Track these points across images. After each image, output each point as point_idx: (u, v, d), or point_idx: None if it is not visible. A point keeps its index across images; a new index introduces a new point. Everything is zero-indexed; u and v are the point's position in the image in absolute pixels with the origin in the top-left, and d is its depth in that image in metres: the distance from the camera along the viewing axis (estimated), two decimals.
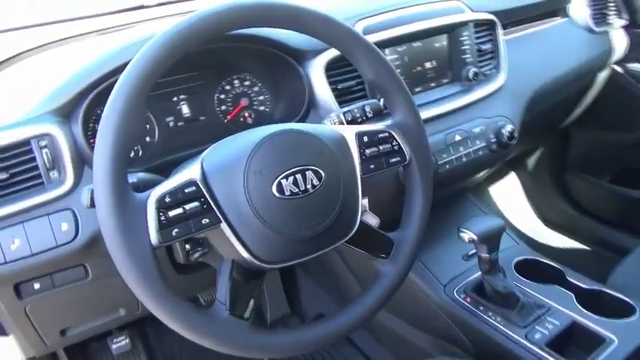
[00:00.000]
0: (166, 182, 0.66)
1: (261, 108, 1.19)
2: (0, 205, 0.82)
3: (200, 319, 0.66)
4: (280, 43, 1.05)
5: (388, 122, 0.83)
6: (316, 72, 1.07)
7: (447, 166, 1.17)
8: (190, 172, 0.68)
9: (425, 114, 1.16)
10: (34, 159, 0.85)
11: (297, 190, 0.69)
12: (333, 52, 1.08)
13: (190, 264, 1.05)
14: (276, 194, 0.68)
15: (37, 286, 0.90)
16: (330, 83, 1.08)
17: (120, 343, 1.26)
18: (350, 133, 0.79)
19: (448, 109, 1.22)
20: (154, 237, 0.63)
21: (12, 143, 0.83)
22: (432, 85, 1.26)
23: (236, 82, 1.16)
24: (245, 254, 0.69)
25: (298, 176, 0.69)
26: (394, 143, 0.81)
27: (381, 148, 0.80)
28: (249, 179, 0.67)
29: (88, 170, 0.90)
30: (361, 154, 0.78)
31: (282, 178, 0.68)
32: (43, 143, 0.86)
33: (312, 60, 1.09)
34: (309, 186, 0.70)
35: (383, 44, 1.15)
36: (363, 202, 0.98)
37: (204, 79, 1.12)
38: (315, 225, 0.70)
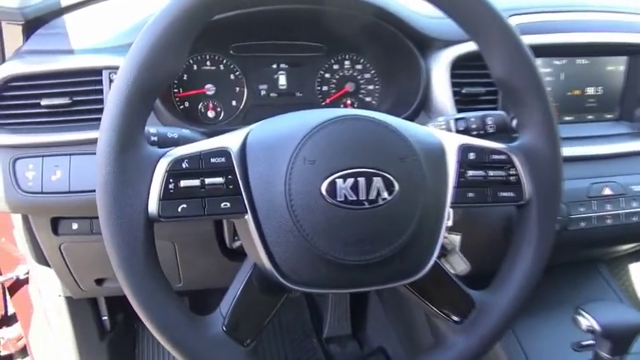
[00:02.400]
0: (193, 144, 0.52)
1: (367, 99, 1.01)
2: (53, 131, 0.76)
3: (182, 326, 0.51)
4: (405, 23, 0.86)
5: (512, 143, 0.60)
6: (440, 67, 0.87)
7: (583, 224, 0.88)
8: (228, 139, 0.53)
9: (569, 150, 0.89)
10: (100, 91, 0.78)
11: (355, 197, 0.51)
12: (465, 47, 0.86)
13: (241, 251, 0.92)
14: (325, 195, 0.50)
15: (75, 226, 0.84)
16: (454, 85, 0.87)
17: None
18: (452, 143, 0.58)
19: (604, 151, 0.92)
20: (153, 205, 0.49)
21: (82, 68, 0.77)
22: (590, 117, 0.97)
23: (346, 62, 1.00)
24: (266, 261, 0.52)
25: (361, 180, 0.51)
26: (511, 172, 0.58)
27: (490, 174, 0.57)
28: (296, 166, 0.50)
29: (151, 117, 0.81)
30: (460, 174, 0.57)
31: (338, 177, 0.50)
32: (114, 76, 0.78)
33: (438, 52, 0.88)
34: (372, 196, 0.51)
35: (536, 51, 0.90)
36: (452, 239, 0.75)
37: (312, 51, 0.97)
38: (367, 251, 0.51)
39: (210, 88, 0.94)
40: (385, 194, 0.52)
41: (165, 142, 0.60)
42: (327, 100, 1.00)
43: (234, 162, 0.51)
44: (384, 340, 1.49)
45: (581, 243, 0.92)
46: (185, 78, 0.93)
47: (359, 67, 1.00)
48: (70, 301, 1.08)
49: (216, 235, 0.87)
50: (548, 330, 0.95)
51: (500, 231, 0.87)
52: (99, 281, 0.98)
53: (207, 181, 0.50)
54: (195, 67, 0.93)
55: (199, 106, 0.94)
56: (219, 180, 0.51)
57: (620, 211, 0.90)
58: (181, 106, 0.93)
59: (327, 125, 0.52)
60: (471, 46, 0.86)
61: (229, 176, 0.51)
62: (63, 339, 1.13)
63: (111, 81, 0.78)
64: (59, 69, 0.77)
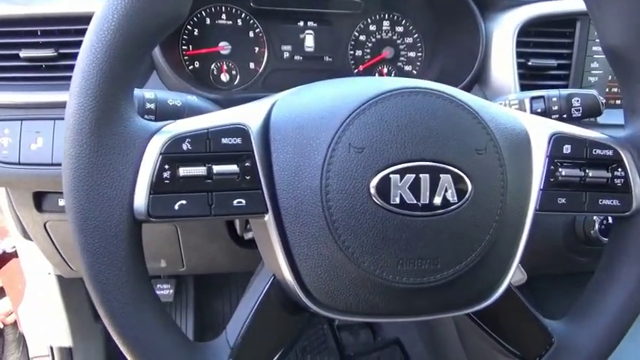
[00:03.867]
0: (199, 118, 0.39)
1: (408, 67, 0.86)
2: (34, 90, 0.63)
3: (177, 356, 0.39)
4: None
5: (619, 133, 0.46)
6: (503, 32, 0.72)
7: None
8: (247, 112, 0.40)
9: None
10: None
11: (415, 200, 0.37)
12: (538, 9, 0.71)
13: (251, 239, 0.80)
14: (375, 196, 0.37)
15: (61, 202, 0.71)
16: (519, 55, 0.71)
17: (163, 291, 1.08)
18: (541, 131, 0.44)
19: None
20: (140, 201, 0.36)
21: (70, 14, 0.63)
22: None
23: (385, 23, 0.84)
24: (289, 277, 0.39)
25: (424, 177, 0.37)
26: (619, 173, 0.44)
27: (590, 174, 0.43)
28: (337, 155, 0.37)
29: (155, 79, 0.68)
30: (550, 173, 0.43)
31: (393, 172, 0.37)
32: None
33: (502, 13, 0.73)
34: (437, 200, 0.38)
35: None
36: None
37: (346, 7, 0.82)
38: (427, 271, 0.38)
39: (225, 47, 0.80)
40: (454, 197, 0.38)
41: (165, 113, 0.47)
42: (361, 67, 0.86)
43: (254, 144, 0.38)
44: (401, 332, 1.39)
45: None
46: (196, 33, 0.79)
47: (400, 29, 0.85)
48: (61, 279, 0.98)
49: (225, 221, 0.74)
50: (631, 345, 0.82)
51: (560, 235, 0.73)
52: None
53: (217, 169, 0.37)
54: (208, 20, 0.79)
55: (212, 67, 0.80)
56: (233, 168, 0.37)
57: None
58: (190, 67, 0.79)
59: (381, 100, 0.38)
60: (545, 7, 0.70)
61: (246, 163, 0.37)
62: (55, 319, 1.03)
63: None
64: (42, 13, 0.63)
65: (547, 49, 0.72)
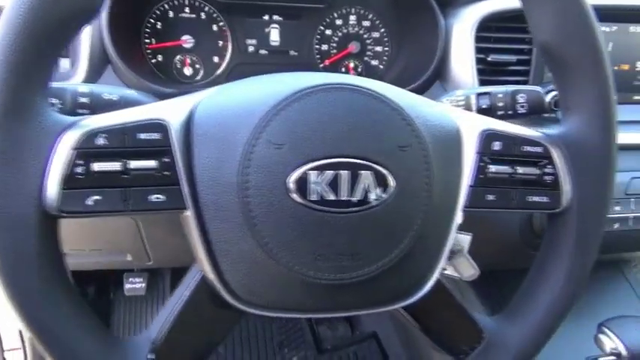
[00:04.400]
0: (117, 113, 0.39)
1: (374, 62, 0.86)
2: None
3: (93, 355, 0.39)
4: None
5: (550, 130, 0.45)
6: (463, 27, 0.71)
7: (617, 226, 0.75)
8: (168, 108, 0.39)
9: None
10: None
11: (334, 196, 0.37)
12: (496, 4, 0.70)
13: None
14: (293, 192, 0.37)
15: None
16: (479, 50, 0.71)
17: (134, 284, 1.07)
18: (472, 127, 0.44)
19: None
20: (52, 195, 0.36)
21: None
22: (636, 97, 0.82)
23: (352, 17, 0.84)
24: (211, 275, 0.39)
25: (344, 174, 0.37)
26: (548, 170, 0.44)
27: (519, 171, 0.43)
28: (256, 151, 0.37)
29: (110, 73, 0.68)
30: (479, 169, 0.43)
31: (311, 168, 0.37)
32: None
33: (463, 8, 0.73)
34: (357, 196, 0.38)
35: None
36: (460, 240, 0.62)
37: (312, 1, 0.82)
38: (348, 267, 0.38)
39: (187, 40, 0.79)
40: (376, 193, 0.38)
41: (101, 107, 0.47)
42: (327, 62, 0.85)
43: (174, 140, 0.38)
44: (377, 326, 1.39)
45: (612, 246, 0.79)
46: (159, 26, 0.78)
47: (366, 23, 0.85)
48: None
49: None
50: (563, 342, 0.82)
51: (517, 230, 0.74)
52: None
53: (133, 164, 0.37)
54: (171, 13, 0.79)
55: (175, 61, 0.80)
56: (151, 164, 0.37)
57: None
58: (153, 60, 0.79)
59: (303, 96, 0.38)
60: (504, 2, 0.70)
61: (165, 159, 0.37)
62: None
63: None
64: None
65: (507, 44, 0.72)
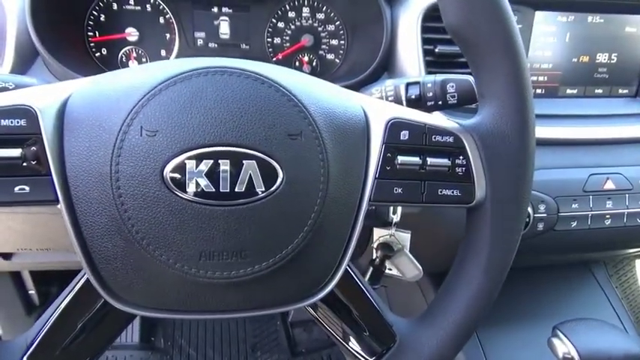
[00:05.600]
0: None
1: (330, 56, 0.83)
2: None
3: None
4: None
5: (465, 119, 0.42)
6: (408, 18, 0.69)
7: (574, 224, 0.71)
8: (39, 94, 0.37)
9: (567, 131, 0.71)
10: None
11: (213, 188, 0.35)
12: None
13: None
14: (169, 183, 0.34)
15: None
16: (425, 42, 0.68)
17: None
18: (379, 116, 0.41)
19: (611, 135, 0.74)
20: None
21: None
22: (599, 91, 0.79)
23: (305, 10, 0.82)
24: (87, 271, 0.37)
25: (224, 163, 0.35)
26: (460, 161, 0.41)
27: (429, 162, 0.40)
28: (128, 138, 0.34)
29: (40, 65, 0.65)
30: (385, 160, 0.40)
31: (188, 157, 0.34)
32: None
33: None
34: (240, 188, 0.35)
35: (532, 3, 0.71)
36: (400, 238, 0.60)
37: None
38: (233, 265, 0.36)
39: (132, 33, 0.77)
40: (262, 186, 0.35)
41: None
42: (280, 55, 0.83)
43: (42, 127, 0.35)
44: None
45: (572, 246, 0.75)
46: (102, 19, 0.76)
47: (320, 16, 0.82)
48: None
49: None
50: (521, 345, 0.79)
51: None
52: (5, 256, 0.85)
53: None
54: (115, 5, 0.76)
55: (120, 55, 0.78)
56: (14, 152, 0.35)
57: (624, 210, 0.72)
58: (97, 54, 0.77)
59: (180, 80, 0.35)
60: None
61: (32, 147, 0.35)
62: None
63: None
64: None
65: None
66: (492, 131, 0.40)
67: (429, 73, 0.69)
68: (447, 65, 0.70)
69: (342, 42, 0.83)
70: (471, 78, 0.52)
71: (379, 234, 0.61)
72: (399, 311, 1.03)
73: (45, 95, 0.37)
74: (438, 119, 0.42)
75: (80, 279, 0.40)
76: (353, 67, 0.78)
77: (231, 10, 0.80)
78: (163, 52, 0.79)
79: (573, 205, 0.71)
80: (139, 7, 0.77)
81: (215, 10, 0.80)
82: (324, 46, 0.83)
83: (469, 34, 0.39)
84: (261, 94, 0.36)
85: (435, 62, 0.69)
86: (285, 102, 0.37)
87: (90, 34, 0.76)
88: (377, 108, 0.42)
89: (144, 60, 0.79)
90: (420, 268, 0.62)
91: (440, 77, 0.52)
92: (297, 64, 0.83)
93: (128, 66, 0.78)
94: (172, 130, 0.34)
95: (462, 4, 0.38)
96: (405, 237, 0.61)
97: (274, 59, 0.83)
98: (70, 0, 0.72)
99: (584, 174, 0.72)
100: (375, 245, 0.61)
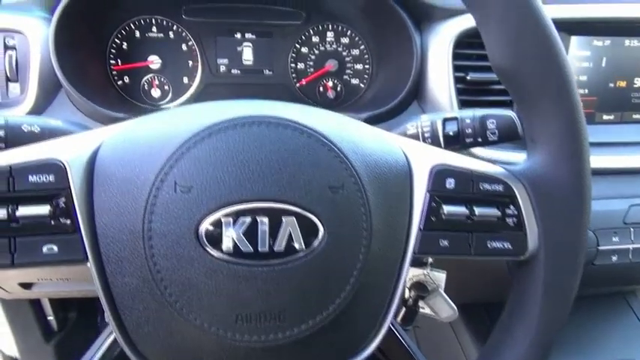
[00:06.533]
0: (8, 152, 0.34)
1: (355, 81, 0.82)
2: None
3: None
4: None
5: (514, 164, 0.40)
6: (439, 44, 0.66)
7: (615, 259, 0.68)
8: (67, 146, 0.35)
9: (605, 159, 0.68)
10: None
11: (251, 248, 0.32)
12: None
13: None
14: (204, 242, 0.32)
15: None
16: (457, 69, 0.66)
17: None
18: (422, 162, 0.38)
19: None
20: None
21: None
22: (636, 116, 0.76)
23: (329, 34, 0.80)
24: (117, 333, 0.35)
25: (262, 221, 0.32)
26: (511, 211, 0.38)
27: (477, 212, 0.38)
28: (162, 194, 0.32)
29: (63, 97, 0.64)
30: (430, 211, 0.38)
31: (225, 215, 0.32)
32: (11, 42, 0.61)
33: (439, 24, 0.68)
34: (279, 246, 0.33)
35: (568, 27, 0.68)
36: (435, 278, 0.57)
37: (286, 18, 0.78)
38: (272, 328, 0.33)
39: (154, 61, 0.76)
40: (302, 243, 0.33)
41: (19, 141, 0.43)
42: (303, 81, 0.81)
43: (72, 182, 0.33)
44: None
45: (611, 280, 0.72)
46: (125, 47, 0.75)
47: (345, 40, 0.80)
48: (3, 300, 0.95)
49: None
50: None
51: (504, 264, 0.68)
52: (25, 285, 0.84)
53: (22, 211, 0.32)
54: (137, 33, 0.75)
55: (142, 83, 0.77)
56: (42, 209, 0.33)
57: None
58: (119, 82, 0.76)
59: (215, 132, 0.33)
60: None
61: (60, 203, 0.33)
62: (4, 342, 1.00)
63: (6, 48, 0.61)
64: None
65: (487, 61, 0.66)
66: (545, 178, 0.38)
67: (461, 101, 0.66)
68: (480, 93, 0.67)
69: (367, 66, 0.81)
70: (512, 113, 0.49)
71: (413, 273, 0.58)
72: (429, 349, 1.00)
73: (74, 147, 0.35)
74: (484, 165, 0.39)
75: (107, 337, 0.38)
76: (379, 93, 0.76)
77: (254, 36, 0.79)
78: (186, 80, 0.78)
79: (614, 239, 0.67)
80: (161, 35, 0.76)
81: (238, 36, 0.79)
82: (348, 71, 0.82)
83: (518, 76, 0.37)
84: (300, 145, 0.34)
85: (466, 90, 0.67)
86: (326, 152, 0.35)
87: (112, 62, 0.75)
88: (419, 152, 0.39)
89: (166, 88, 0.77)
90: (455, 308, 0.59)
91: (479, 112, 0.49)
92: (321, 89, 0.82)
93: (150, 94, 0.77)
94: (207, 185, 0.32)
95: (511, 44, 0.36)
96: (440, 277, 0.58)
97: (298, 85, 0.81)
98: (93, 30, 0.71)
99: (624, 205, 0.69)
100: (408, 285, 0.58)
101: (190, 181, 0.32)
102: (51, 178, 0.33)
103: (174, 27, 0.76)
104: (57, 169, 0.33)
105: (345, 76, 0.82)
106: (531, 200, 0.38)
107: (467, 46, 0.66)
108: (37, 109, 0.62)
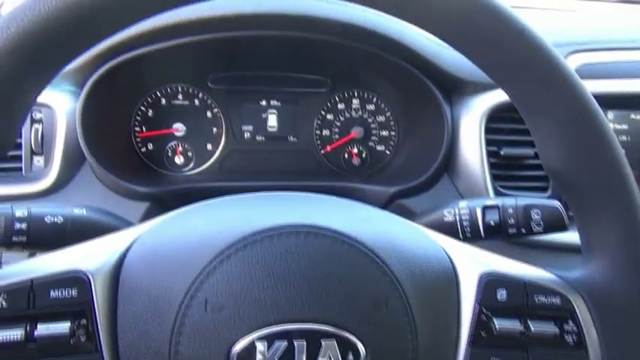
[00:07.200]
0: (25, 263, 0.32)
1: (380, 147, 0.80)
2: None
3: None
4: (424, 58, 0.64)
5: (570, 273, 0.37)
6: (472, 118, 0.65)
7: None
8: (91, 255, 0.33)
9: None
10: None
11: None
12: None
13: None
14: None
15: None
16: (489, 143, 0.64)
17: None
18: (470, 268, 0.35)
19: None
20: None
21: None
22: None
23: (355, 101, 0.79)
24: None
25: (300, 345, 0.30)
26: (570, 327, 0.35)
27: (532, 328, 0.34)
28: (190, 314, 0.30)
29: (87, 170, 0.63)
30: (479, 324, 0.34)
31: (259, 338, 0.29)
32: (38, 116, 0.61)
33: (469, 98, 0.66)
34: None
35: (605, 102, 0.66)
36: None
37: (311, 86, 0.77)
38: None
39: (179, 129, 0.75)
40: None
41: (42, 233, 0.41)
42: (328, 148, 0.80)
43: (96, 296, 0.31)
44: None
45: None
46: (150, 114, 0.75)
47: (371, 107, 0.79)
48: None
49: None
50: None
51: None
52: None
53: (41, 329, 0.30)
54: (163, 100, 0.75)
55: (166, 149, 0.76)
56: (62, 328, 0.30)
57: None
58: (143, 149, 0.75)
59: (250, 244, 0.31)
60: None
61: (82, 320, 0.31)
62: None
63: (33, 121, 0.61)
64: None
65: (522, 136, 0.64)
66: (607, 290, 0.34)
67: (494, 175, 0.64)
68: (513, 167, 0.65)
69: (393, 133, 0.79)
70: (558, 204, 0.46)
71: None
72: None
73: (98, 254, 0.33)
74: (537, 272, 0.36)
75: None
76: (407, 162, 0.74)
77: (279, 103, 0.78)
78: (209, 146, 0.77)
79: None
80: (187, 102, 0.76)
81: (263, 102, 0.78)
82: (374, 137, 0.80)
83: (576, 182, 0.34)
84: (340, 256, 0.32)
85: (500, 164, 0.64)
86: (368, 265, 0.32)
87: (137, 129, 0.75)
88: (465, 257, 0.36)
89: (189, 154, 0.76)
90: None
91: (522, 201, 0.47)
92: (346, 156, 0.80)
93: (174, 161, 0.76)
94: (241, 304, 0.30)
95: (569, 149, 0.33)
96: None
97: (322, 152, 0.79)
98: (120, 100, 0.71)
99: None
100: None
101: (222, 299, 0.30)
102: (73, 292, 0.31)
103: (200, 94, 0.76)
104: (80, 282, 0.31)
105: (371, 143, 0.80)
106: (592, 315, 0.35)
107: (499, 120, 0.64)
108: (60, 183, 0.61)
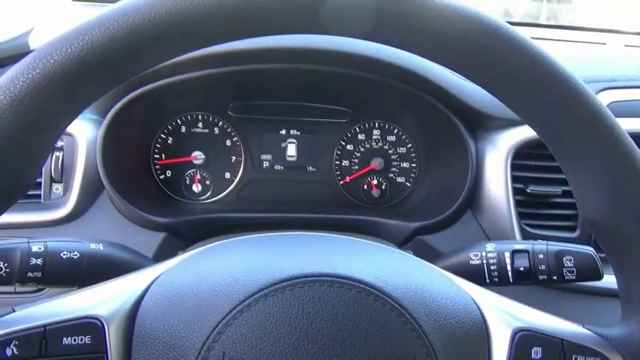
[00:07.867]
0: (40, 307, 0.31)
1: (400, 179, 0.78)
2: None
3: None
4: (449, 93, 0.63)
5: (610, 330, 0.34)
6: (497, 154, 0.63)
7: None
8: (106, 299, 0.32)
9: None
10: None
11: None
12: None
13: None
14: None
15: None
16: (516, 180, 0.62)
17: None
18: (502, 323, 0.33)
19: None
20: None
21: None
22: None
23: (375, 132, 0.78)
24: None
25: None
26: None
27: None
28: None
29: (104, 199, 0.63)
30: None
31: None
32: (59, 144, 0.61)
33: (495, 133, 0.64)
34: None
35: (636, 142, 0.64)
36: None
37: (332, 116, 0.77)
38: None
39: (198, 157, 0.75)
40: None
41: (57, 269, 0.40)
42: (347, 179, 0.78)
43: (109, 344, 0.30)
44: None
45: None
46: (170, 142, 0.75)
47: (392, 138, 0.78)
48: None
49: None
50: None
51: None
52: None
53: None
54: (183, 128, 0.75)
55: (185, 177, 0.75)
56: None
57: None
58: (162, 176, 0.75)
59: (272, 293, 0.30)
60: None
61: None
62: None
63: (54, 149, 0.61)
64: None
65: (549, 173, 0.62)
66: None
67: (520, 213, 0.62)
68: (541, 206, 0.63)
69: (414, 165, 0.78)
70: (592, 251, 0.44)
71: None
72: None
73: (113, 298, 0.31)
74: (574, 329, 0.34)
75: None
76: (428, 196, 0.73)
77: (299, 133, 0.78)
78: (228, 175, 0.76)
79: None
80: (206, 130, 0.76)
81: (283, 132, 0.77)
82: (394, 169, 0.79)
83: (616, 232, 0.32)
84: (366, 309, 0.30)
85: (526, 202, 0.62)
86: (394, 318, 0.30)
87: (156, 156, 0.74)
88: (496, 309, 0.34)
89: (207, 183, 0.76)
90: None
91: (553, 247, 0.45)
92: (365, 187, 0.79)
93: (192, 189, 0.75)
94: (260, 358, 0.28)
95: (609, 197, 0.32)
96: None
97: (342, 182, 0.78)
98: (141, 128, 0.71)
99: None
100: None
101: (241, 352, 0.28)
102: (87, 339, 0.29)
103: (220, 123, 0.76)
104: (94, 328, 0.30)
105: (391, 174, 0.79)
106: None
107: (526, 156, 0.62)
108: (78, 211, 0.60)
